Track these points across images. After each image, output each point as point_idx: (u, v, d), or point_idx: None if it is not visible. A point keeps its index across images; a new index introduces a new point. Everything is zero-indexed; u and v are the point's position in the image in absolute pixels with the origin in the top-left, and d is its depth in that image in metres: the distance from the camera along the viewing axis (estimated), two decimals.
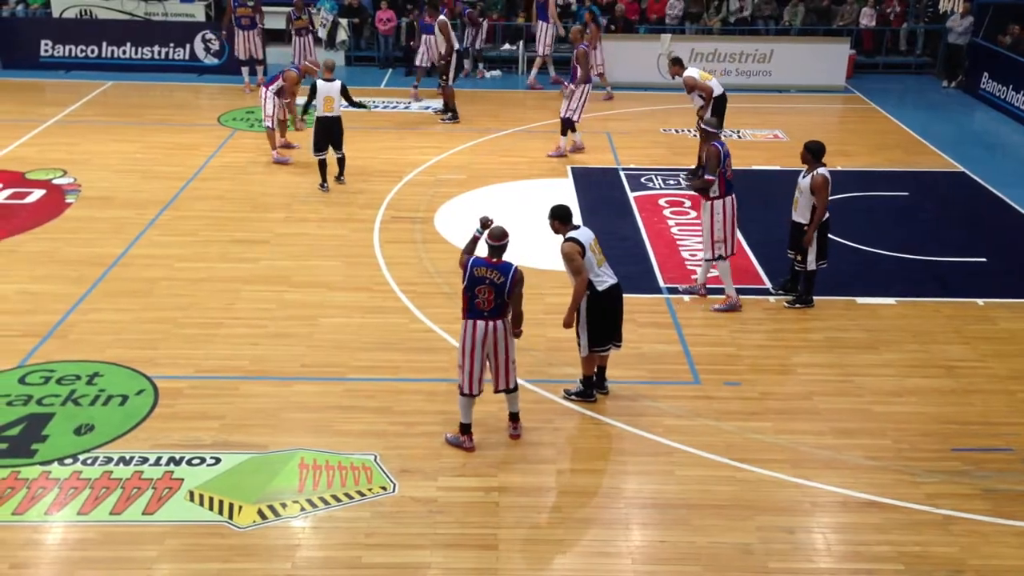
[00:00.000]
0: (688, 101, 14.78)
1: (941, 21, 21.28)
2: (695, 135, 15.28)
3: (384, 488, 7.57)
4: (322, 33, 21.25)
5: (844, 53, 20.47)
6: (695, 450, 8.13)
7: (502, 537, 7.09)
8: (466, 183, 14.25)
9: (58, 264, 11.32)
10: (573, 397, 8.77)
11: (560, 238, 8.32)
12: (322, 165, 13.75)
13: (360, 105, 13.87)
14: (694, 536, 7.15)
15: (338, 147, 13.84)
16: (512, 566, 6.83)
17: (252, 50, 18.78)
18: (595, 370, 8.77)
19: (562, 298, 8.36)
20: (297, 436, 8.19)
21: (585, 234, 8.30)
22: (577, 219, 8.97)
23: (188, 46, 20.46)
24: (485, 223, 7.86)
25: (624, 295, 8.62)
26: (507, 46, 21.83)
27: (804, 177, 10.29)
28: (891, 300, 10.86)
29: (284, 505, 7.37)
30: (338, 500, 7.43)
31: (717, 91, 13.91)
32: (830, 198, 10.28)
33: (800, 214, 10.37)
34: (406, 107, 18.33)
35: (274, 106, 14.53)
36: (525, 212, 11.98)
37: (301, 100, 14.23)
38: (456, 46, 17.03)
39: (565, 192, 13.83)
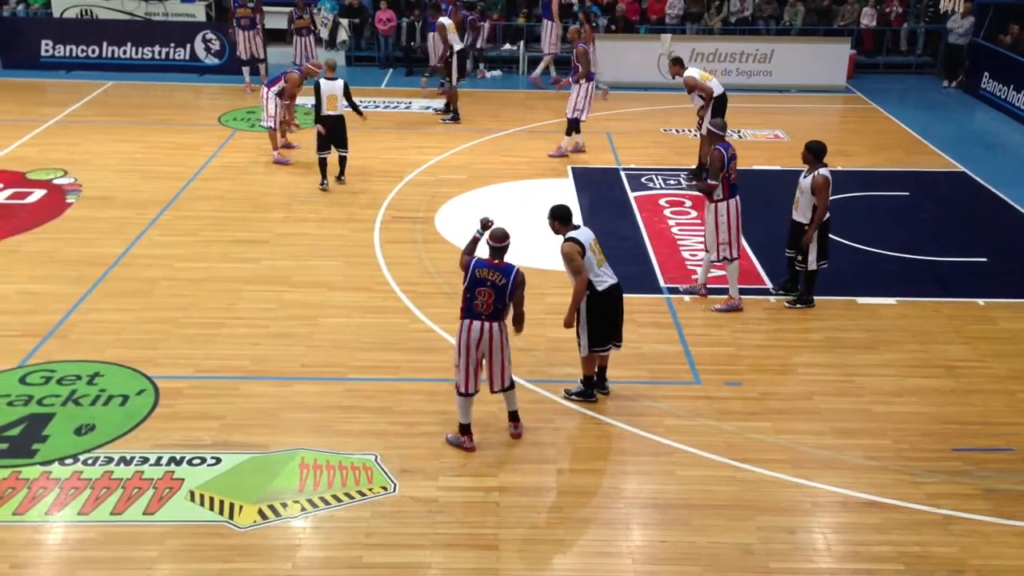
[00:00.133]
0: (688, 101, 14.78)
1: (942, 21, 21.28)
2: (696, 135, 15.28)
3: (384, 488, 7.58)
4: (323, 33, 21.26)
5: (845, 53, 20.47)
6: (695, 450, 8.14)
7: (502, 537, 7.09)
8: (467, 183, 14.26)
9: (58, 264, 11.32)
10: (574, 397, 8.78)
11: (560, 238, 8.32)
12: (323, 164, 13.77)
13: (357, 110, 13.90)
14: (694, 536, 7.15)
15: (342, 145, 13.86)
16: (512, 566, 6.83)
17: (253, 50, 18.81)
18: (595, 370, 8.77)
19: (563, 298, 8.36)
20: (297, 436, 8.20)
21: (585, 234, 8.30)
22: (577, 219, 8.97)
23: (189, 46, 20.47)
24: (486, 224, 7.86)
25: (625, 295, 8.62)
26: (507, 46, 21.84)
27: (805, 177, 10.29)
28: (891, 300, 10.86)
29: (284, 505, 7.37)
30: (338, 500, 7.44)
31: (717, 91, 13.90)
32: (831, 198, 10.29)
33: (801, 214, 10.37)
34: (407, 107, 18.33)
35: (276, 106, 14.54)
36: (525, 212, 11.98)
37: (301, 101, 14.23)
38: (455, 46, 17.02)
39: (566, 192, 13.83)
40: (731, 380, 9.22)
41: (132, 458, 7.86)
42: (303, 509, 7.34)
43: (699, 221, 12.50)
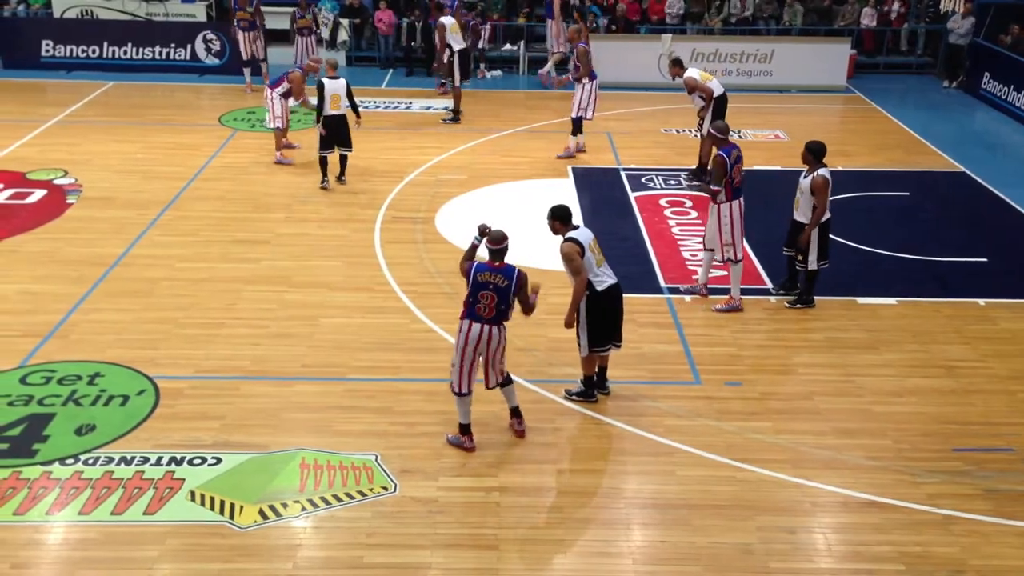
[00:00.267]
0: (689, 101, 14.78)
1: (942, 21, 21.28)
2: (696, 135, 15.28)
3: (385, 488, 7.58)
4: (324, 33, 21.28)
5: (845, 53, 20.47)
6: (696, 450, 8.14)
7: (503, 537, 7.09)
8: (467, 183, 14.26)
9: (59, 264, 11.33)
10: (574, 397, 8.78)
11: (560, 238, 8.33)
12: (324, 163, 13.78)
13: (356, 111, 13.91)
14: (694, 536, 7.15)
15: (346, 144, 13.87)
16: (512, 566, 6.83)
17: (254, 51, 18.83)
18: (596, 370, 8.77)
19: (563, 298, 8.36)
20: (298, 436, 8.20)
21: (584, 234, 8.30)
22: (578, 219, 8.97)
23: (189, 46, 20.48)
24: (483, 231, 7.89)
25: (625, 295, 8.62)
26: (508, 46, 21.85)
27: (805, 177, 10.29)
28: (892, 300, 10.86)
29: (285, 505, 7.37)
30: (339, 500, 7.44)
31: (718, 91, 13.90)
32: (831, 198, 10.29)
33: (801, 214, 10.37)
34: (407, 107, 18.34)
35: (282, 107, 14.55)
36: (526, 212, 11.98)
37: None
38: (456, 46, 17.02)
39: (566, 192, 13.83)
40: (731, 380, 9.22)
41: (133, 458, 7.86)
42: (303, 509, 7.34)
43: (700, 221, 12.51)
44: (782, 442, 8.28)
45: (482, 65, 20.95)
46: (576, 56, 15.16)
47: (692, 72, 14.18)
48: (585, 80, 14.93)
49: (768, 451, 8.15)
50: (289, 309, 10.38)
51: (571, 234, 8.23)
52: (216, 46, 20.40)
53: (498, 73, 21.19)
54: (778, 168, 14.92)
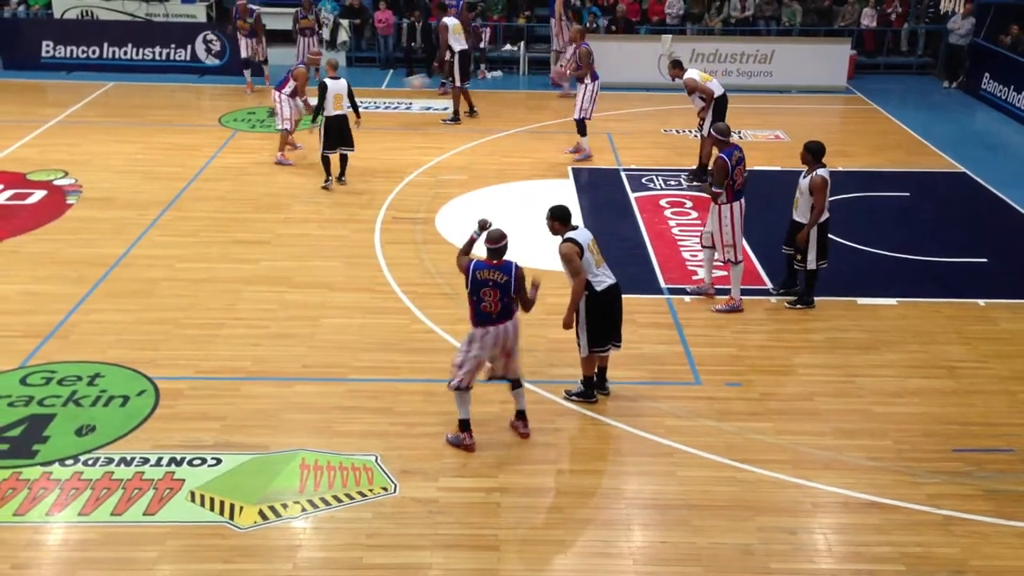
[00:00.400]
0: (689, 102, 14.77)
1: (942, 22, 21.27)
2: (696, 136, 15.28)
3: (385, 489, 7.58)
4: (325, 33, 21.28)
5: (845, 54, 20.47)
6: (696, 451, 8.13)
7: (503, 538, 7.09)
8: (467, 184, 14.26)
9: (59, 265, 11.33)
10: (574, 398, 8.78)
11: (559, 238, 8.32)
12: (327, 163, 13.78)
13: (356, 111, 13.92)
14: (695, 537, 7.15)
15: (349, 144, 13.87)
16: (513, 567, 6.83)
17: (255, 54, 18.85)
18: (595, 370, 8.77)
19: (563, 299, 8.36)
20: (298, 437, 8.20)
21: (583, 235, 8.30)
22: (578, 220, 8.97)
23: (189, 47, 20.48)
24: (483, 225, 7.89)
25: (625, 296, 8.62)
26: (508, 47, 21.85)
27: (804, 178, 10.29)
28: (892, 301, 10.86)
29: (285, 506, 7.37)
30: (339, 501, 7.44)
31: (718, 92, 13.89)
32: (831, 198, 10.29)
33: (800, 214, 10.37)
34: (407, 108, 18.34)
35: (290, 108, 14.56)
36: (526, 213, 11.98)
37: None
38: (456, 47, 17.02)
39: (566, 193, 13.83)
40: (732, 381, 9.21)
41: (132, 459, 7.86)
42: (303, 510, 7.34)
43: (700, 222, 12.50)
44: (782, 443, 8.28)
45: (483, 65, 20.95)
46: (578, 57, 15.15)
47: (692, 73, 14.16)
48: (587, 81, 14.92)
49: (769, 452, 8.14)
50: (289, 310, 10.38)
51: (570, 235, 8.22)
52: (216, 47, 20.40)
53: (498, 74, 21.19)
54: (778, 168, 14.91)
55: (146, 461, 7.83)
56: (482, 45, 20.73)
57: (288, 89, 14.48)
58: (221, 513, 7.27)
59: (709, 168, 11.61)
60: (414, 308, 10.47)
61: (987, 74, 19.75)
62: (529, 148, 15.98)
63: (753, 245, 11.83)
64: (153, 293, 10.68)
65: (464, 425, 8.04)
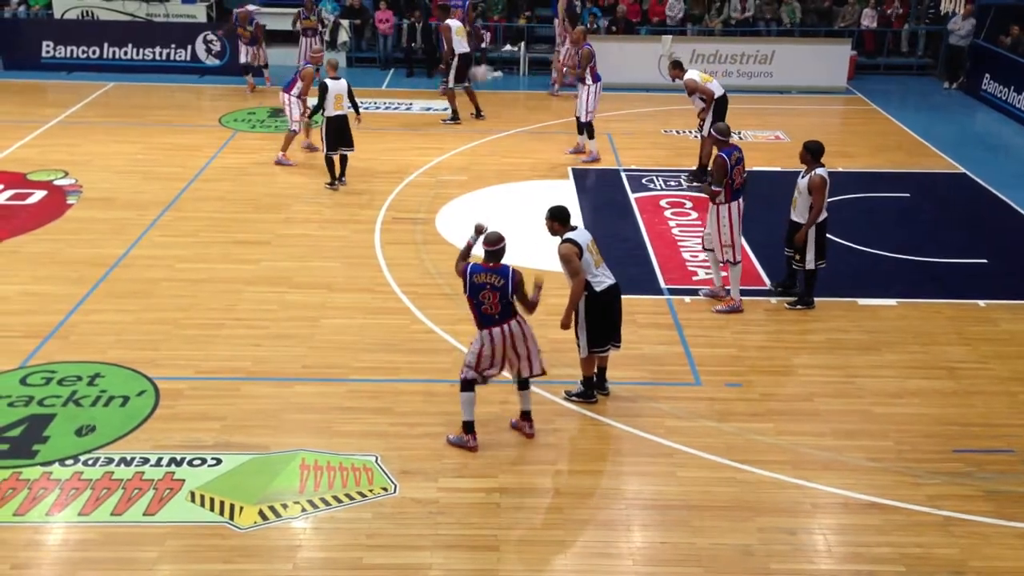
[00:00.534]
0: (689, 102, 14.77)
1: (942, 22, 21.28)
2: (696, 136, 15.28)
3: (385, 489, 7.58)
4: (325, 34, 21.28)
5: (845, 54, 20.47)
6: (696, 451, 8.13)
7: (503, 538, 7.09)
8: (467, 184, 14.26)
9: (59, 265, 11.33)
10: (574, 398, 8.78)
11: (558, 239, 8.32)
12: (330, 163, 13.79)
13: (356, 110, 13.93)
14: (695, 537, 7.15)
15: (350, 145, 13.87)
16: (513, 567, 6.83)
17: (257, 59, 18.87)
18: (595, 371, 8.77)
19: (563, 299, 8.35)
20: (298, 437, 8.20)
21: (582, 235, 8.30)
22: (578, 220, 8.97)
23: (189, 47, 20.48)
24: (480, 230, 7.89)
25: (625, 296, 8.62)
26: (508, 47, 21.85)
27: (803, 177, 10.30)
28: (892, 301, 10.86)
29: (285, 506, 7.37)
30: (339, 501, 7.44)
31: (718, 93, 13.88)
32: (830, 199, 10.29)
33: (799, 214, 10.37)
34: (408, 108, 18.34)
35: (299, 110, 14.57)
36: (526, 213, 11.98)
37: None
38: (457, 50, 17.02)
39: (566, 193, 13.83)
40: (732, 381, 9.21)
41: (132, 459, 7.86)
42: (303, 510, 7.33)
43: (700, 222, 12.50)
44: (782, 443, 8.28)
45: (484, 66, 20.92)
46: (580, 58, 15.16)
47: (692, 74, 14.15)
48: (589, 82, 14.93)
49: (769, 452, 8.14)
50: (289, 310, 10.38)
51: (569, 235, 8.22)
52: (216, 47, 20.39)
53: (498, 74, 21.19)
54: (778, 169, 14.91)
55: (146, 461, 7.83)
56: (483, 45, 20.73)
57: (296, 90, 14.49)
58: (221, 513, 7.27)
59: (709, 168, 11.61)
60: (414, 308, 10.47)
61: (987, 75, 19.75)
62: (529, 148, 15.99)
63: (753, 245, 11.84)
64: (153, 293, 10.68)
65: (468, 427, 8.04)
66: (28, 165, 14.60)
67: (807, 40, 21.20)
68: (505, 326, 7.74)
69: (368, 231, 12.49)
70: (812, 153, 10.24)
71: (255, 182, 14.18)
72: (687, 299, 10.80)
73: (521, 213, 12.39)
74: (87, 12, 21.31)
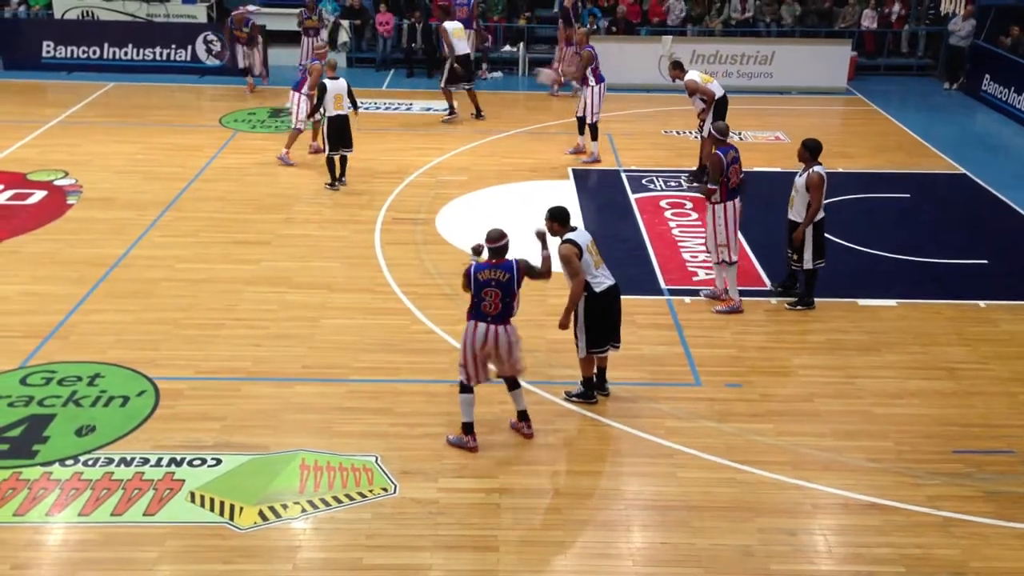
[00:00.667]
0: (689, 103, 14.77)
1: (943, 23, 21.28)
2: (696, 137, 15.28)
3: (385, 489, 7.58)
4: (324, 34, 21.28)
5: (845, 55, 20.46)
6: (696, 452, 8.13)
7: (503, 539, 7.09)
8: (467, 184, 14.26)
9: (59, 265, 11.32)
10: (574, 399, 8.77)
11: (558, 240, 8.32)
12: (331, 164, 13.80)
13: (355, 107, 13.94)
14: (695, 538, 7.15)
15: (347, 145, 13.88)
16: (513, 568, 6.83)
17: (252, 64, 18.88)
18: (595, 371, 8.77)
19: (563, 299, 8.36)
20: (298, 437, 8.20)
21: (582, 236, 8.30)
22: (578, 221, 8.97)
23: (190, 47, 20.48)
24: (477, 251, 7.89)
25: (625, 297, 8.63)
26: (508, 48, 21.85)
27: (800, 175, 10.30)
28: (892, 302, 10.86)
29: (285, 506, 7.37)
30: (339, 501, 7.44)
31: (718, 93, 13.87)
32: (829, 199, 10.29)
33: (796, 212, 10.37)
34: (408, 108, 18.34)
35: (306, 108, 14.56)
36: (526, 214, 11.95)
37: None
38: (457, 51, 17.02)
39: (566, 194, 13.83)
40: (732, 382, 9.21)
41: (132, 459, 7.86)
42: (303, 510, 7.33)
43: (700, 223, 12.50)
44: (782, 444, 8.28)
45: (484, 66, 20.95)
46: (582, 59, 15.15)
47: (692, 74, 14.14)
48: (593, 83, 14.93)
49: (769, 453, 8.14)
50: (290, 310, 10.38)
51: (569, 236, 8.22)
52: (216, 47, 20.39)
53: (498, 74, 21.19)
54: (778, 169, 14.91)
55: (146, 461, 7.83)
56: (487, 45, 20.73)
57: (306, 88, 14.50)
58: (221, 514, 7.27)
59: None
60: (414, 309, 10.47)
61: (987, 75, 19.75)
62: (529, 149, 15.99)
63: (753, 246, 11.84)
64: (153, 293, 10.68)
65: (468, 428, 8.04)
66: (28, 165, 14.60)
67: (807, 41, 21.20)
68: (492, 327, 7.73)
69: (368, 231, 12.49)
70: (810, 151, 10.24)
71: (255, 182, 14.18)
72: (687, 300, 10.80)
73: (521, 213, 12.36)
74: (87, 12, 21.30)
